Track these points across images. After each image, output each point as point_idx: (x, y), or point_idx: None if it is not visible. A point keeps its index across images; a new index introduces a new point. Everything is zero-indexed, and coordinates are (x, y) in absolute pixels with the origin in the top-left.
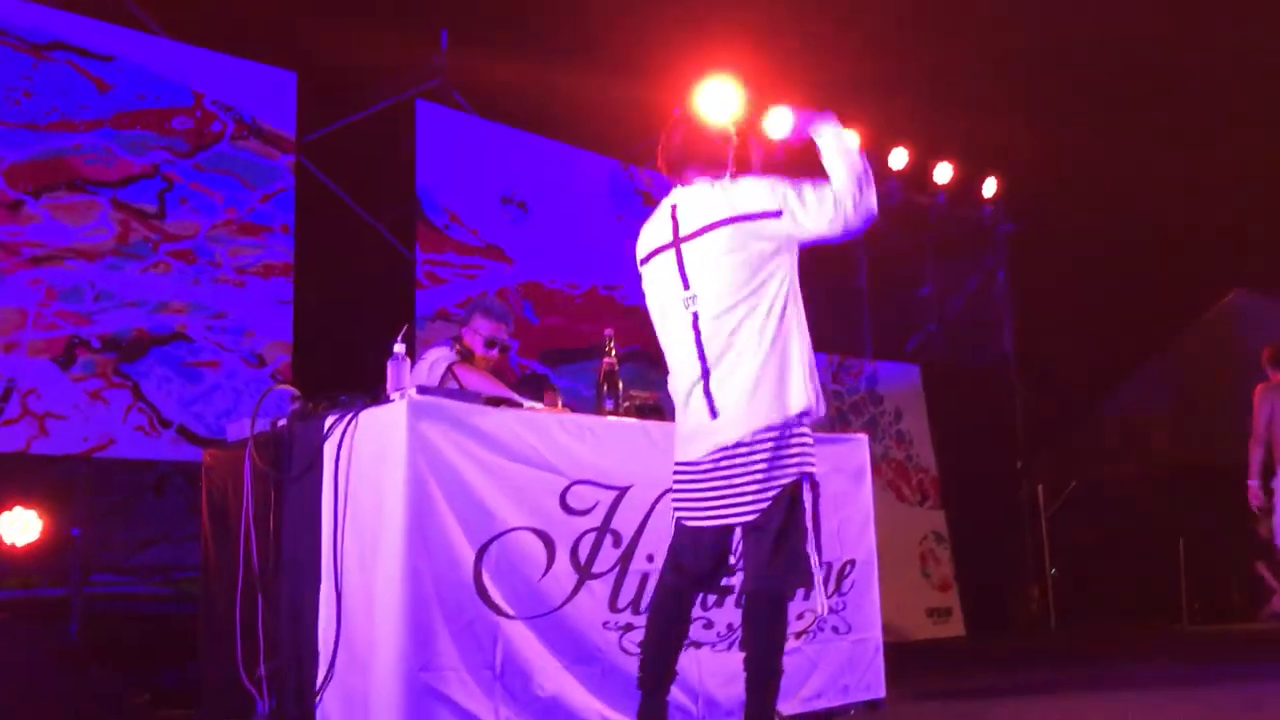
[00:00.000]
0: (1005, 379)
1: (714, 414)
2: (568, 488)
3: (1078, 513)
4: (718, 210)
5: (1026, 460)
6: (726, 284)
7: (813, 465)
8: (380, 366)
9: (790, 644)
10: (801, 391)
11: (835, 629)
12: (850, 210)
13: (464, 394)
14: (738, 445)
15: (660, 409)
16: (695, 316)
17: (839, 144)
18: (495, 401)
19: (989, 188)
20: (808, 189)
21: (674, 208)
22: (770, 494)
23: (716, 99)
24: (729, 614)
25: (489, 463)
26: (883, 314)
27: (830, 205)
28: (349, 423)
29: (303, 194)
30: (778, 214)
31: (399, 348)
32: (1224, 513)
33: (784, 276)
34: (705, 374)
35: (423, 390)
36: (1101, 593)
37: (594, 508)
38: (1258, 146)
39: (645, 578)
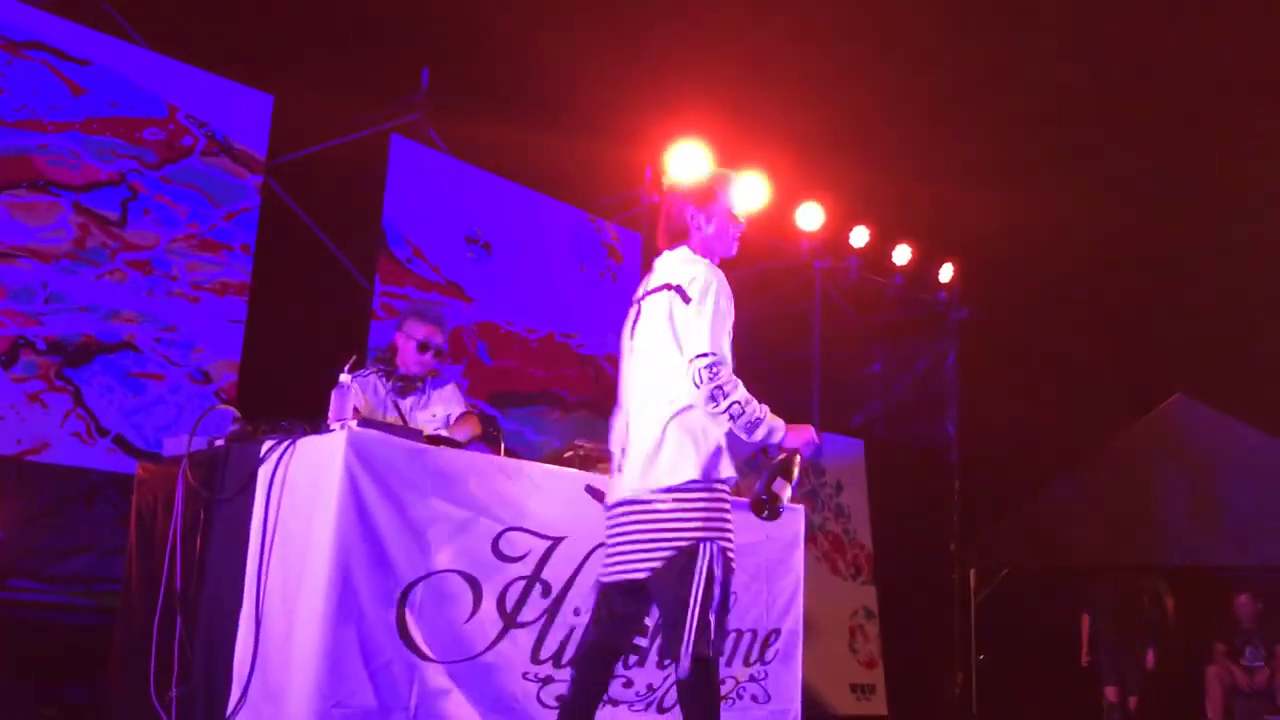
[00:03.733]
0: (945, 461)
1: (620, 468)
2: (501, 533)
3: (1006, 601)
4: (666, 275)
5: (960, 544)
6: (654, 342)
7: (718, 532)
8: (327, 396)
9: None
10: (703, 459)
11: (754, 697)
12: (706, 382)
13: (405, 430)
14: (634, 501)
15: (605, 461)
16: (626, 369)
17: (768, 427)
18: (435, 440)
19: (945, 273)
20: (704, 326)
21: (652, 268)
22: (663, 554)
23: (685, 163)
24: (649, 674)
25: (424, 502)
26: (832, 387)
27: (710, 365)
28: (286, 449)
29: (267, 215)
30: (686, 301)
31: (345, 377)
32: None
33: None
34: (626, 425)
35: (364, 424)
36: (1024, 684)
37: (526, 555)
38: (1212, 256)
39: (571, 631)
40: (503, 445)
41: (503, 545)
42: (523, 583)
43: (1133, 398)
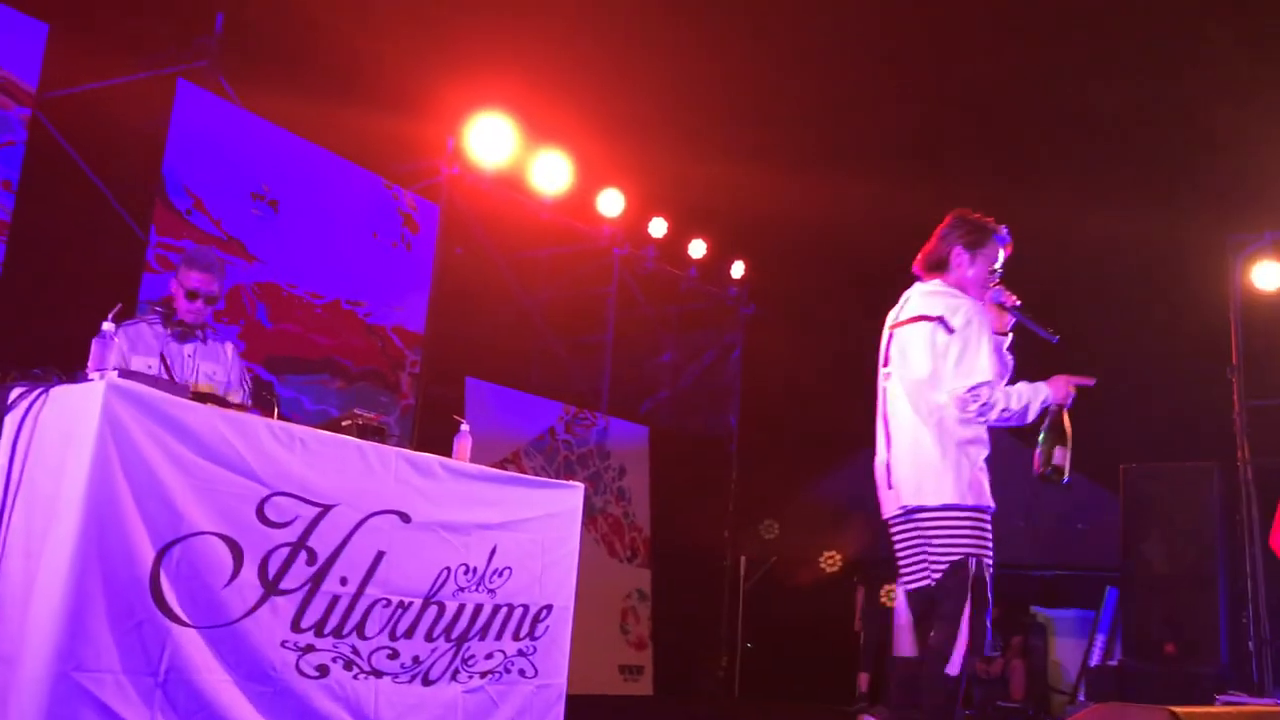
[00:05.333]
0: (726, 451)
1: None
2: (267, 497)
3: (773, 589)
4: (924, 307)
5: (734, 532)
6: (918, 371)
7: (981, 549)
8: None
9: (475, 682)
10: (965, 485)
11: (522, 672)
12: (978, 413)
13: (170, 384)
14: (909, 514)
15: (383, 431)
16: (884, 392)
17: (1034, 401)
18: (202, 397)
19: (737, 269)
20: (973, 358)
21: (906, 298)
22: (940, 566)
23: (488, 136)
24: (416, 646)
25: (186, 460)
26: (623, 373)
27: (973, 394)
28: (38, 397)
29: (35, 153)
30: (951, 333)
31: (108, 326)
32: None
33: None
34: (888, 445)
35: (125, 374)
36: (785, 669)
37: (293, 521)
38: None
39: (335, 600)
40: (277, 412)
41: (268, 510)
42: (287, 549)
43: None
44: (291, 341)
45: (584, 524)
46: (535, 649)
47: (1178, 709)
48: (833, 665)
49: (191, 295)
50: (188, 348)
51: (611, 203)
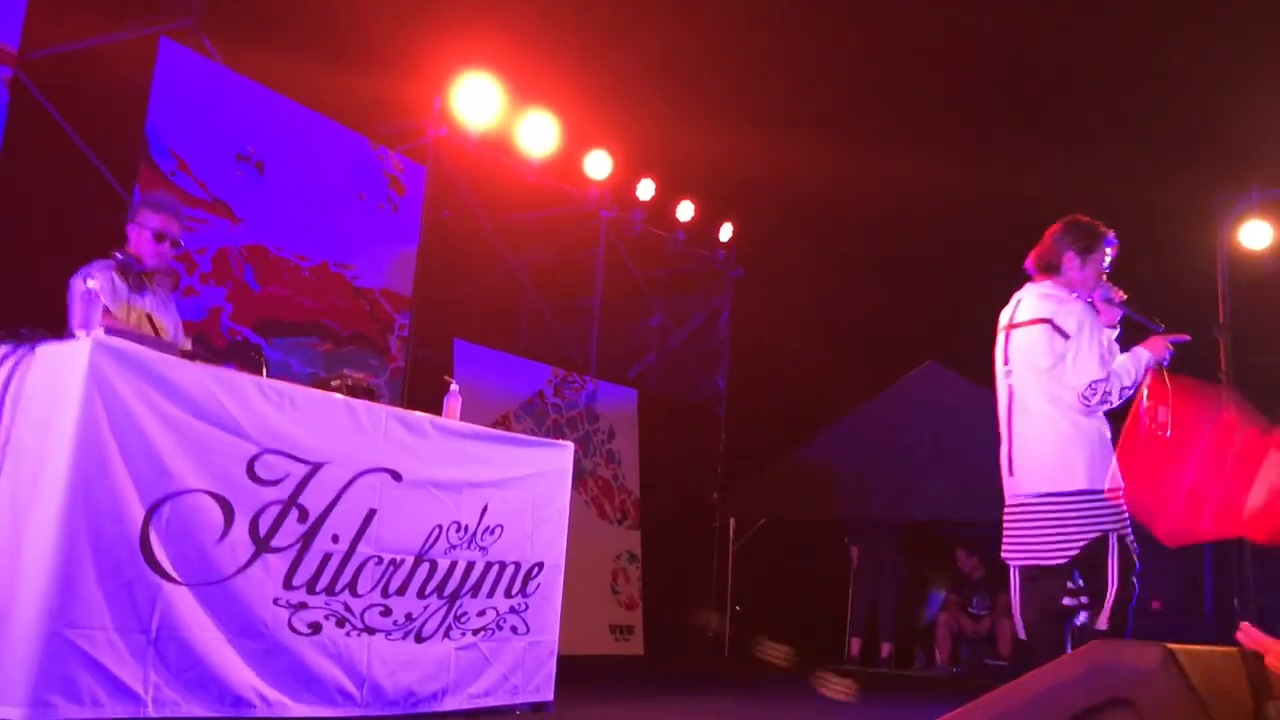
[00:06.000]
0: (714, 414)
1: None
2: (257, 455)
3: (763, 548)
4: (1038, 310)
5: (723, 493)
6: (1036, 371)
7: (1117, 523)
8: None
9: (467, 639)
10: (1089, 469)
11: (514, 629)
12: (1099, 404)
13: (158, 342)
14: (1036, 501)
15: (372, 392)
16: (1010, 390)
17: (1139, 369)
18: (190, 355)
19: (725, 232)
20: (1087, 358)
21: (1020, 298)
22: (1077, 544)
23: (475, 97)
24: (409, 603)
25: (174, 418)
26: (611, 336)
27: (1091, 389)
28: (24, 356)
29: (16, 113)
30: (1066, 338)
31: (93, 283)
32: (892, 564)
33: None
34: (1010, 437)
35: (111, 332)
36: (776, 628)
37: (283, 479)
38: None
39: (327, 558)
40: (265, 373)
41: (259, 468)
42: (278, 507)
43: (896, 361)
44: (279, 304)
45: (574, 486)
46: (527, 606)
47: (1173, 645)
48: (822, 625)
49: (159, 237)
50: (146, 300)
51: (599, 165)
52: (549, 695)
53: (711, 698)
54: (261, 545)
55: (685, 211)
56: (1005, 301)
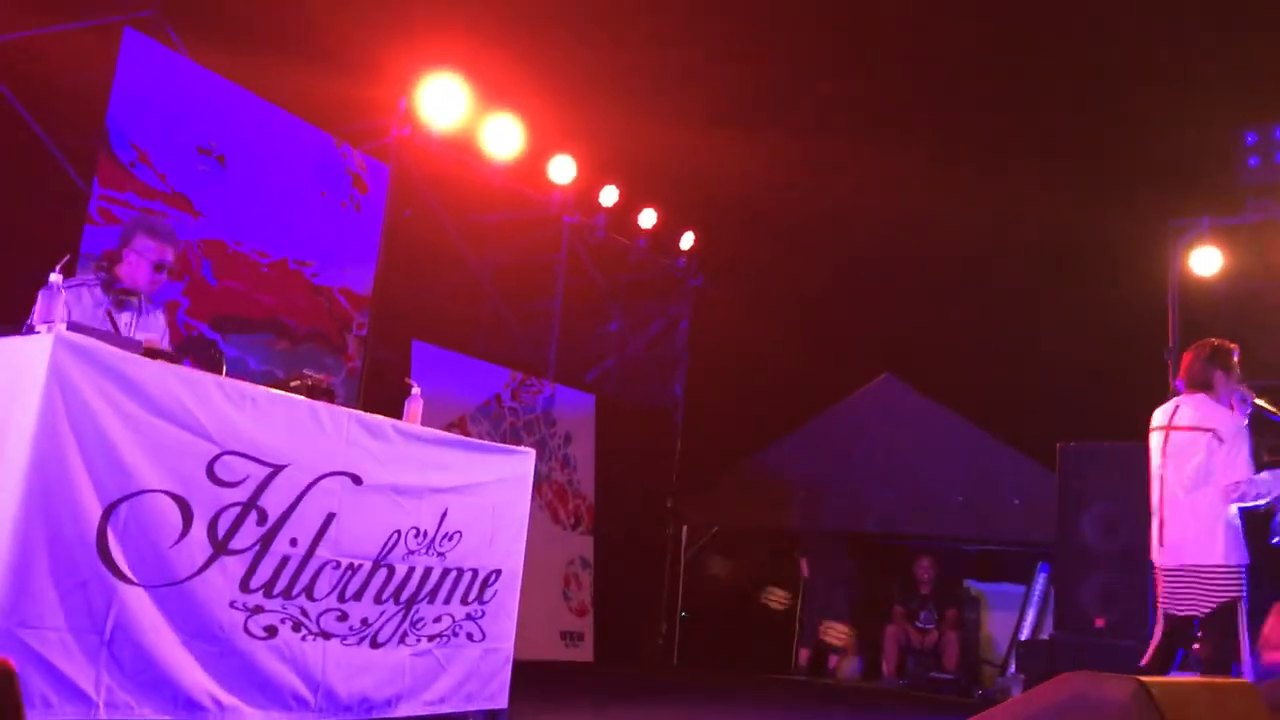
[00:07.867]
0: (670, 421)
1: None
2: (218, 456)
3: (714, 557)
4: (1199, 419)
5: (677, 500)
6: (1196, 469)
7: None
8: (31, 297)
9: (422, 645)
10: (1231, 550)
11: (470, 635)
12: (1241, 500)
13: (120, 339)
14: (1191, 569)
15: (332, 393)
16: (1163, 480)
17: (1276, 488)
18: (153, 353)
19: (686, 240)
20: (1236, 460)
21: (1177, 405)
22: (1214, 601)
23: (440, 97)
24: (365, 608)
25: (135, 417)
26: (570, 341)
27: (1235, 486)
28: None
29: None
30: (1220, 442)
31: (55, 278)
32: (843, 575)
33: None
34: (1162, 517)
35: (74, 327)
36: (724, 636)
37: (243, 481)
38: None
39: (285, 561)
40: (224, 370)
41: (219, 469)
42: (237, 509)
43: (854, 373)
44: (236, 300)
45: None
46: (484, 613)
47: (1146, 679)
48: (771, 634)
49: (158, 268)
50: (125, 316)
51: (563, 169)
52: (503, 702)
53: (663, 705)
54: (219, 547)
55: (648, 219)
56: (966, 318)
